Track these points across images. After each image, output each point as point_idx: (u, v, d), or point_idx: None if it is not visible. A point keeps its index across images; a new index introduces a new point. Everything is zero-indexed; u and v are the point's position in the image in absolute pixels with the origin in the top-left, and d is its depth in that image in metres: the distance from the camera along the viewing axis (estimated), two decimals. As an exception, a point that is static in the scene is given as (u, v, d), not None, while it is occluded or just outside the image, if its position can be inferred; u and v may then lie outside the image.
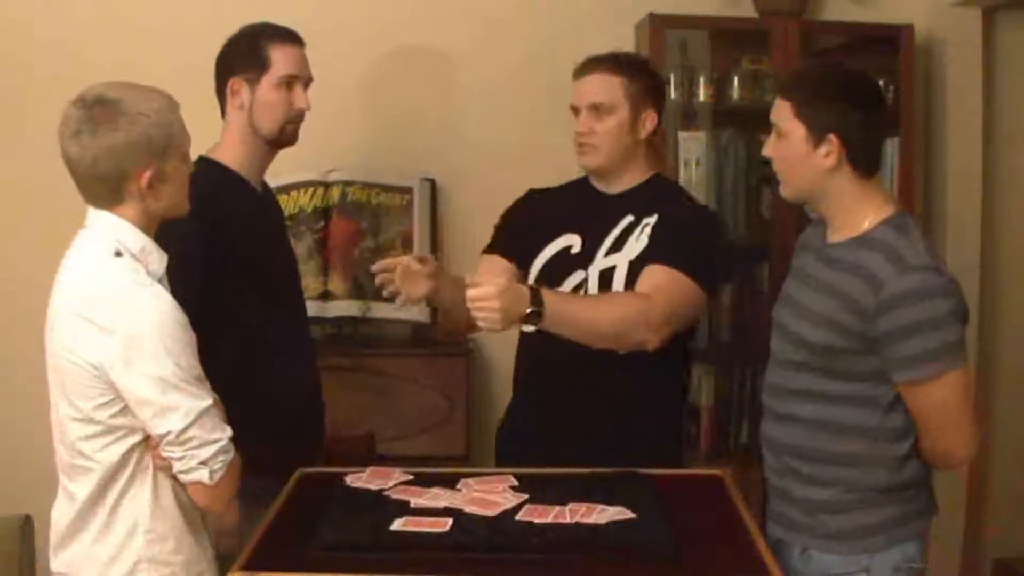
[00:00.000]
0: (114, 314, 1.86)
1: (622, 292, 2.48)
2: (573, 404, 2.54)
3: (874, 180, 2.16)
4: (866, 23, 3.50)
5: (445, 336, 3.27)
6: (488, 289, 2.17)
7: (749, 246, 3.53)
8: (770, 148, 2.19)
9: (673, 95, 3.42)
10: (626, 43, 3.49)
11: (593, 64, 2.57)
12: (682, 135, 3.44)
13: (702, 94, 3.47)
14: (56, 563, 2.01)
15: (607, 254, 2.55)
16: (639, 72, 2.58)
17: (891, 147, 3.39)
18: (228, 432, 1.92)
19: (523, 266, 2.64)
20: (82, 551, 1.97)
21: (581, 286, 2.55)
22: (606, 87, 2.54)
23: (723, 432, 3.53)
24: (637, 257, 2.52)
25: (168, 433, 1.86)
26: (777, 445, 2.24)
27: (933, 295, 2.02)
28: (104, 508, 1.94)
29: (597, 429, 2.52)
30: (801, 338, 2.16)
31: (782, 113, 2.14)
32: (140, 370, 1.85)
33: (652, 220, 2.55)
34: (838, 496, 2.14)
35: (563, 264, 2.58)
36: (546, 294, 2.28)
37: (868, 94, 2.18)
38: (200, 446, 1.88)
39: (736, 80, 3.45)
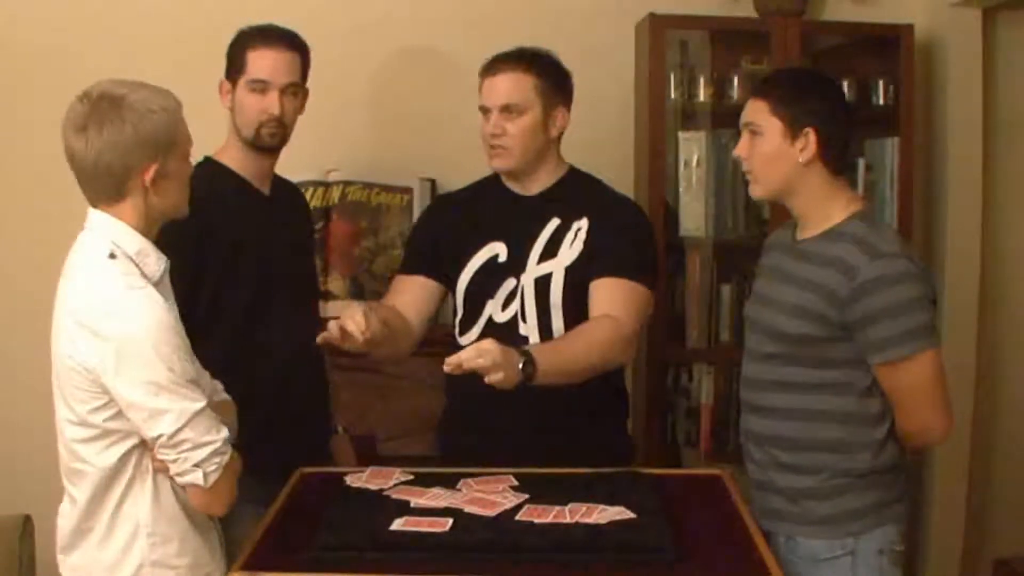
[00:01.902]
0: (105, 318, 1.85)
1: (591, 321, 2.43)
2: (517, 409, 2.43)
3: (842, 178, 2.26)
4: (866, 23, 3.50)
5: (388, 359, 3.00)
6: (488, 362, 2.12)
7: (749, 246, 3.52)
8: (743, 147, 2.26)
9: (673, 95, 3.42)
10: (626, 43, 3.51)
11: (503, 63, 2.51)
12: (682, 135, 3.44)
13: (702, 94, 3.46)
14: (64, 568, 2.01)
15: (540, 261, 2.51)
16: (550, 69, 2.54)
17: (891, 147, 3.39)
18: (223, 434, 1.91)
19: (447, 282, 2.60)
20: (88, 555, 1.97)
21: (514, 294, 2.52)
22: (518, 87, 2.49)
23: (723, 432, 3.52)
24: (573, 264, 2.50)
25: (160, 436, 1.86)
26: (759, 437, 2.29)
27: (905, 279, 2.12)
28: (106, 512, 1.94)
29: (545, 433, 2.47)
30: (777, 330, 2.23)
31: (758, 112, 2.22)
32: (131, 374, 1.84)
33: (583, 224, 2.52)
34: (822, 482, 2.21)
35: (492, 274, 2.53)
36: (534, 350, 2.25)
37: (839, 93, 2.32)
38: (193, 448, 1.87)
39: (736, 80, 3.45)
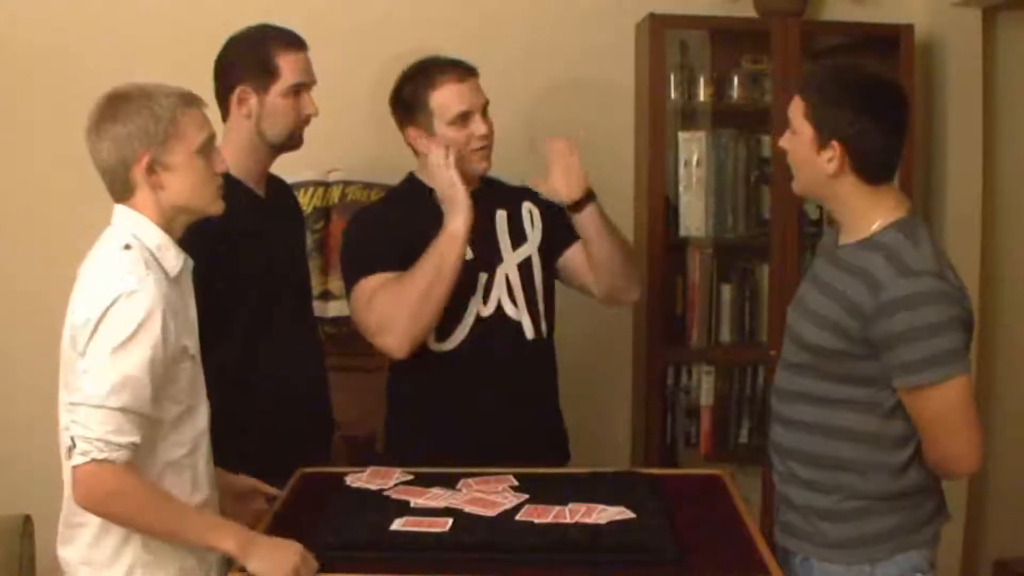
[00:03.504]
0: (94, 301, 1.87)
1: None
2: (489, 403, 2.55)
3: (884, 185, 2.13)
4: (866, 23, 3.50)
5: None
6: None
7: (749, 246, 3.53)
8: (784, 141, 2.17)
9: (673, 95, 3.43)
10: (626, 43, 3.51)
11: (463, 65, 2.57)
12: (682, 135, 3.44)
13: (702, 94, 3.46)
14: (60, 560, 2.02)
15: (515, 247, 2.61)
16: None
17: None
18: (116, 439, 1.82)
19: None
20: (81, 553, 1.97)
21: (489, 287, 2.56)
22: (481, 88, 2.58)
23: (723, 432, 3.52)
24: (540, 244, 2.64)
25: (69, 403, 1.86)
26: (782, 449, 2.22)
27: (933, 301, 1.98)
28: None
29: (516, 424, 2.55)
30: (804, 340, 2.14)
31: (796, 111, 2.11)
32: (91, 358, 1.85)
33: (531, 207, 2.66)
34: (838, 504, 2.11)
35: (466, 273, 2.53)
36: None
37: (880, 101, 2.10)
38: (77, 423, 1.84)
39: (736, 80, 3.45)
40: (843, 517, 2.11)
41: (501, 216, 2.63)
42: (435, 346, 2.56)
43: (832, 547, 2.13)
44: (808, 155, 2.09)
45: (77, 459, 1.83)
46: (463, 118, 2.53)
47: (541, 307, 2.62)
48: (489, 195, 2.63)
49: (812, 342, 2.12)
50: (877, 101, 2.09)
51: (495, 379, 2.54)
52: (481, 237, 2.57)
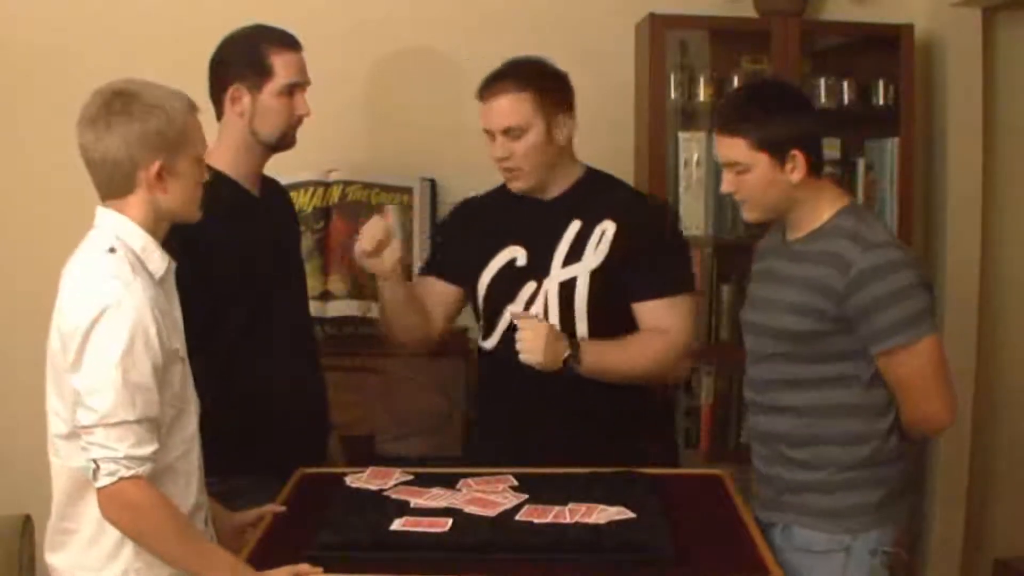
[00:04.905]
0: (82, 308, 1.85)
1: (644, 332, 2.51)
2: (548, 424, 2.50)
3: (824, 176, 2.29)
4: (866, 23, 3.50)
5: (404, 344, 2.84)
6: (542, 324, 2.39)
7: (749, 246, 3.52)
8: (730, 185, 2.25)
9: (673, 95, 3.42)
10: (626, 43, 3.51)
11: (498, 84, 2.48)
12: (682, 135, 3.44)
13: (702, 94, 3.46)
14: (50, 561, 2.00)
15: (565, 264, 2.51)
16: (545, 81, 2.51)
17: (891, 147, 3.40)
18: (139, 452, 1.83)
19: (465, 283, 2.58)
20: (73, 558, 1.96)
21: (534, 298, 2.51)
22: (515, 108, 2.45)
23: (723, 432, 3.52)
24: (598, 268, 2.49)
25: (80, 423, 1.84)
26: (767, 436, 2.31)
27: (898, 268, 2.14)
28: (94, 517, 1.91)
29: (581, 446, 2.47)
30: (783, 329, 2.24)
31: (736, 150, 2.20)
32: (85, 366, 1.84)
33: (608, 227, 2.51)
34: (827, 477, 2.21)
35: (511, 278, 2.53)
36: (583, 345, 2.41)
37: (798, 95, 2.34)
38: (96, 445, 1.83)
39: (736, 80, 3.44)
40: (831, 488, 2.22)
41: (573, 227, 2.52)
42: (482, 343, 2.60)
43: (817, 516, 2.23)
44: (770, 178, 2.20)
45: (104, 480, 1.82)
46: (488, 135, 2.50)
47: (583, 332, 2.49)
48: (573, 200, 2.54)
49: (793, 329, 2.22)
50: (801, 99, 2.32)
51: (529, 382, 2.44)
52: (542, 246, 2.52)
